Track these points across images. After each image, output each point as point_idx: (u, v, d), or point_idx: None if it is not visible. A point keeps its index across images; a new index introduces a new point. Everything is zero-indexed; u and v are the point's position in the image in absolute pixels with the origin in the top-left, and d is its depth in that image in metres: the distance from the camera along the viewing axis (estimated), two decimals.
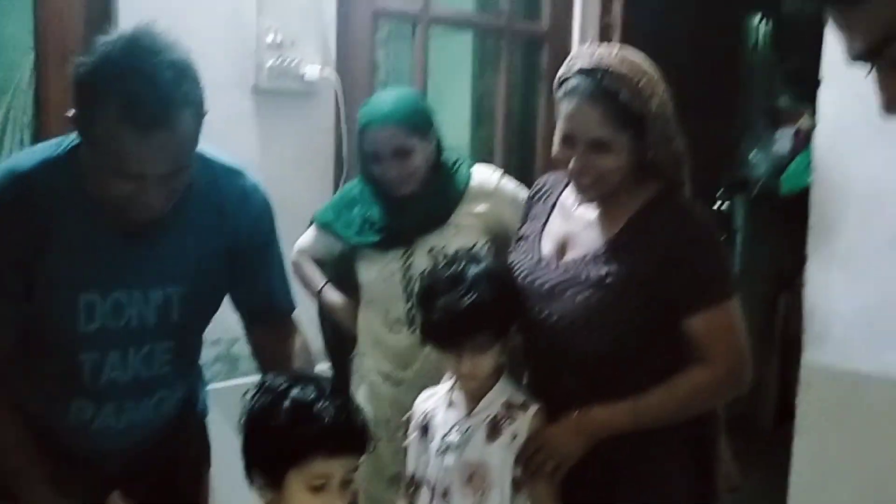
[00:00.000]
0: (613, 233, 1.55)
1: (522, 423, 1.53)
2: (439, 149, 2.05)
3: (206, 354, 2.28)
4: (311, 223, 2.17)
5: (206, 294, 1.55)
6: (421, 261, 1.95)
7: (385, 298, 2.04)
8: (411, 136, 1.94)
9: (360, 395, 2.10)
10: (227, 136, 2.27)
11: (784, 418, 2.71)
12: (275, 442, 1.21)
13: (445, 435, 1.55)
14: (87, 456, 1.54)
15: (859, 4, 0.81)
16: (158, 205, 1.36)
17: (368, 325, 2.10)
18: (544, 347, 1.60)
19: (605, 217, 1.58)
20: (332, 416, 1.21)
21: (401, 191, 1.99)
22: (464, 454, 1.53)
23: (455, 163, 2.07)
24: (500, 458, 1.52)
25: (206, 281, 1.54)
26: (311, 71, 2.40)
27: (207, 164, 1.50)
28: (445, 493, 1.54)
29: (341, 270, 2.17)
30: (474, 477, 1.52)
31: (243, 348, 2.27)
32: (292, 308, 1.68)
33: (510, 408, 1.55)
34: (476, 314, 1.49)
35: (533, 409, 1.55)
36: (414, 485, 1.59)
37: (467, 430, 1.54)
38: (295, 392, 1.23)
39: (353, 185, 2.12)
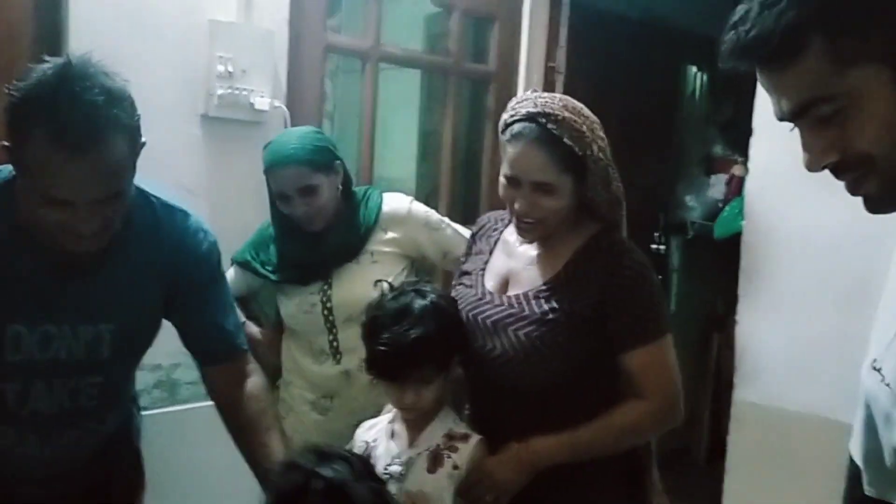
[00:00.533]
0: (555, 270, 1.61)
1: (463, 454, 1.55)
2: (347, 180, 2.08)
3: (146, 380, 2.28)
4: (232, 263, 2.15)
5: (138, 331, 1.54)
6: (340, 292, 2.00)
7: (308, 331, 2.06)
8: (315, 173, 1.96)
9: (288, 423, 2.10)
10: (177, 162, 2.29)
11: (717, 454, 2.79)
12: None
13: (387, 465, 1.57)
14: (5, 480, 1.50)
15: (785, 69, 0.87)
16: (91, 234, 1.32)
17: (293, 355, 2.12)
18: (487, 380, 1.63)
19: (547, 255, 1.63)
20: (366, 501, 1.20)
21: (312, 227, 2.01)
22: (405, 485, 1.54)
23: (365, 193, 2.11)
24: (440, 489, 1.53)
25: (140, 318, 1.53)
26: (262, 102, 2.42)
27: (149, 201, 1.50)
28: None
29: (262, 303, 2.19)
30: None
31: (183, 374, 2.28)
32: (244, 347, 1.67)
33: (451, 438, 1.57)
34: (421, 347, 1.52)
35: (474, 439, 1.57)
36: None
37: (408, 460, 1.56)
38: (326, 472, 1.21)
39: (267, 225, 2.14)
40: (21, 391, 1.43)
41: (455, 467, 1.54)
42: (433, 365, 1.55)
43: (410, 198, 2.16)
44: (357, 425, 1.77)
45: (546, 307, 1.57)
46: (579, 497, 1.59)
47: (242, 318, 2.10)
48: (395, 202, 2.11)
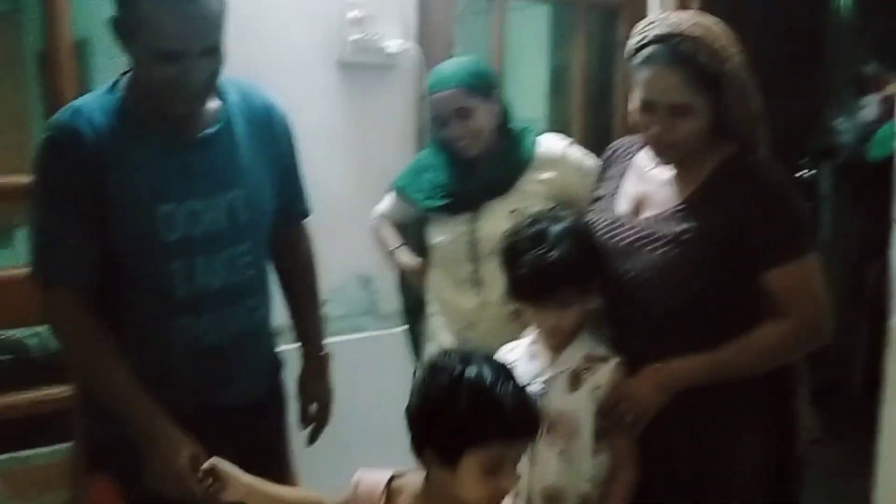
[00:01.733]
0: (690, 191, 1.58)
1: (603, 375, 1.58)
2: (506, 116, 2.10)
3: None
4: (390, 189, 2.26)
5: (262, 196, 1.67)
6: (486, 225, 2.02)
7: (452, 261, 2.11)
8: (471, 96, 2.00)
9: (430, 353, 2.17)
10: (314, 109, 2.39)
11: (873, 387, 2.67)
12: (455, 425, 1.20)
13: (527, 385, 1.59)
14: (199, 390, 1.61)
15: None
16: (201, 85, 1.50)
17: (436, 286, 2.18)
18: (622, 303, 1.63)
19: (681, 177, 1.61)
20: (513, 401, 1.21)
21: (466, 151, 2.05)
22: (545, 404, 1.57)
23: (522, 131, 2.12)
24: (580, 408, 1.57)
25: (261, 183, 1.66)
26: (393, 45, 2.48)
27: (230, 81, 1.64)
28: None
29: (417, 234, 2.25)
30: (557, 426, 1.57)
31: (332, 308, 2.40)
32: (309, 212, 1.87)
33: (591, 360, 1.60)
34: (560, 269, 1.55)
35: (613, 361, 1.59)
36: None
37: (548, 380, 1.59)
38: (471, 374, 1.22)
39: (426, 153, 2.21)
40: (187, 269, 1.55)
41: (595, 387, 1.57)
42: (572, 287, 1.57)
43: (567, 140, 2.16)
44: None
45: (681, 227, 1.55)
46: (720, 418, 1.58)
47: (399, 243, 2.25)
48: (551, 143, 2.12)
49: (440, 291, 2.17)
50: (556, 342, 1.63)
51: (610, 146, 1.83)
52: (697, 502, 1.57)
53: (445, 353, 1.30)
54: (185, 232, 1.54)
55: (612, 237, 1.64)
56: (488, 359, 1.28)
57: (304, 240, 1.88)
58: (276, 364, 1.84)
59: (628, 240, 1.61)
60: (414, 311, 2.34)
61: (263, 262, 1.73)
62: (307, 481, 1.82)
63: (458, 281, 2.11)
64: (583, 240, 1.62)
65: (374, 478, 1.34)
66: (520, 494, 1.56)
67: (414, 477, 1.33)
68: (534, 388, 1.57)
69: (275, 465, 1.75)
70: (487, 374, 1.22)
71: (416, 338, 2.34)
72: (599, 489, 1.58)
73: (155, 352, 1.57)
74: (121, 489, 1.57)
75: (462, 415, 1.20)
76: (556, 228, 1.59)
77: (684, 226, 1.55)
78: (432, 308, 2.20)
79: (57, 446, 2.38)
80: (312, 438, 1.87)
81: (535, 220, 1.64)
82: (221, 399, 1.63)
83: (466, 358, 1.25)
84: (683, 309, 1.55)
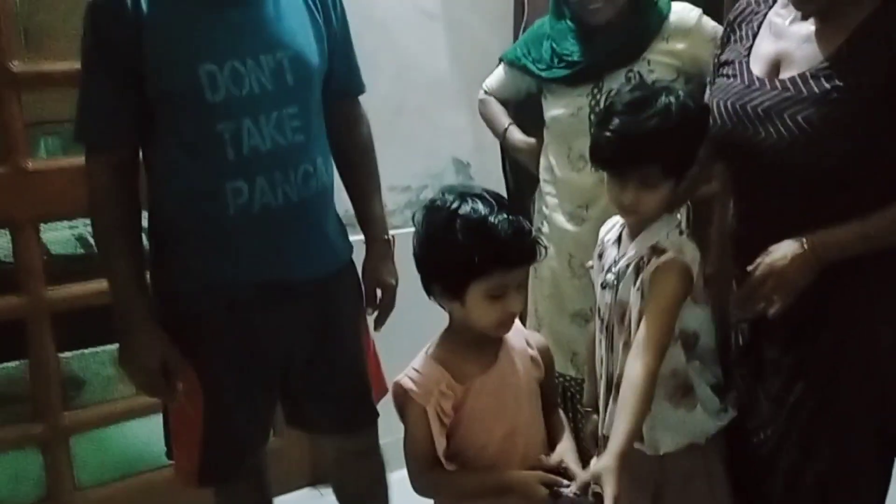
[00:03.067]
0: (836, 45, 1.43)
1: (648, 271, 1.45)
2: None
3: (396, 200, 2.44)
4: (500, 62, 2.18)
5: (310, 58, 1.62)
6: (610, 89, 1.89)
7: (570, 135, 2.02)
8: None
9: (544, 233, 2.13)
10: None
11: None
12: (456, 258, 1.26)
13: (606, 271, 1.54)
14: (259, 262, 1.59)
15: None
16: None
17: (551, 163, 2.10)
18: (758, 173, 1.50)
19: (825, 31, 1.45)
20: (507, 231, 1.26)
21: (595, 17, 1.93)
22: (618, 294, 1.50)
23: None
24: (639, 302, 1.46)
25: (308, 45, 1.61)
26: None
27: None
28: (609, 327, 1.54)
29: (526, 112, 2.17)
30: (625, 317, 1.49)
31: (430, 194, 2.41)
32: (363, 88, 1.82)
33: (654, 252, 1.46)
34: (649, 143, 1.40)
35: (665, 255, 1.44)
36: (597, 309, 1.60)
37: (619, 272, 1.50)
38: (465, 209, 1.27)
39: (544, 22, 2.09)
40: (234, 130, 1.51)
41: (640, 286, 1.45)
42: (660, 166, 1.43)
43: (700, 10, 2.02)
44: None
45: (828, 86, 1.40)
46: (861, 292, 1.46)
47: (510, 121, 2.18)
48: (685, 12, 1.99)
49: (555, 169, 2.09)
50: (633, 225, 1.51)
51: (737, 5, 1.67)
52: (829, 381, 1.48)
53: (441, 192, 1.34)
54: (230, 92, 1.51)
55: (748, 102, 1.50)
56: (481, 194, 1.31)
57: (360, 119, 1.83)
58: (342, 245, 1.77)
59: (767, 103, 1.46)
60: (519, 194, 2.31)
61: (315, 128, 1.66)
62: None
63: (576, 156, 2.03)
64: (692, 119, 1.46)
65: (415, 367, 1.38)
66: (601, 379, 1.54)
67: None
68: (608, 277, 1.52)
69: (348, 347, 1.75)
70: (481, 207, 1.27)
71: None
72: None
73: (210, 217, 1.55)
74: (189, 363, 1.60)
75: (460, 248, 1.26)
76: (663, 99, 1.43)
77: (831, 84, 1.40)
78: (545, 187, 2.14)
79: None
80: (378, 323, 1.85)
81: (646, 85, 1.51)
82: (282, 273, 1.61)
83: (461, 195, 1.30)
84: (830, 173, 1.41)
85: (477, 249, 1.25)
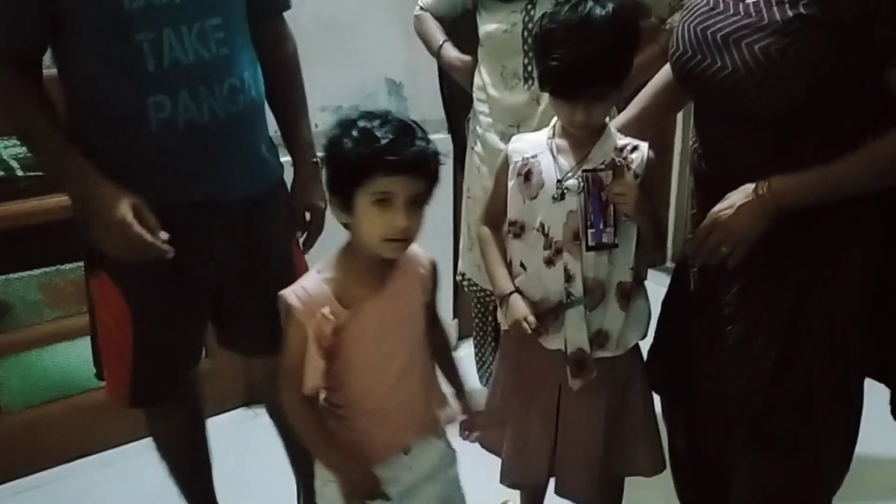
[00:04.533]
0: None
1: (637, 160, 1.53)
2: None
3: (328, 120, 2.38)
4: None
5: None
6: (543, 12, 1.89)
7: (503, 52, 2.01)
8: None
9: (476, 152, 2.14)
10: None
11: None
12: (342, 164, 1.29)
13: (560, 180, 1.54)
14: (185, 180, 1.55)
15: None
16: None
17: (484, 81, 2.09)
18: (716, 106, 1.45)
19: None
20: (391, 138, 1.27)
21: None
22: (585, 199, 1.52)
23: None
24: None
25: None
26: None
27: None
28: (562, 241, 1.54)
29: (461, 30, 2.14)
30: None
31: None
32: (289, 5, 1.77)
33: (622, 150, 1.54)
34: (598, 66, 1.44)
35: (644, 145, 1.55)
36: (519, 228, 1.59)
37: (584, 174, 1.52)
38: (361, 122, 1.29)
39: None
40: (154, 41, 1.46)
41: (636, 176, 1.52)
42: (608, 82, 1.47)
43: None
44: None
45: (791, 13, 1.30)
46: (827, 249, 1.41)
47: (444, 38, 2.15)
48: None
49: (487, 88, 2.08)
50: (582, 137, 1.54)
51: None
52: (794, 321, 1.45)
53: (351, 111, 1.35)
54: (149, 0, 1.45)
55: (708, 27, 1.41)
56: (388, 115, 1.32)
57: (286, 37, 1.78)
58: (273, 164, 1.74)
59: (726, 29, 1.38)
60: (455, 114, 2.29)
61: (240, 42, 1.61)
62: None
63: (509, 74, 2.02)
64: (628, 27, 1.47)
65: (303, 285, 1.38)
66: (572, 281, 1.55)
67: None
68: (570, 182, 1.53)
69: (279, 266, 1.72)
70: (375, 119, 1.29)
71: (457, 135, 2.27)
72: (637, 279, 1.58)
73: (132, 134, 1.50)
74: (116, 284, 1.59)
75: (345, 153, 1.28)
76: (600, 14, 1.43)
77: (794, 12, 1.31)
78: (478, 106, 2.13)
79: None
80: (307, 245, 1.83)
81: (577, 1, 1.47)
82: (211, 192, 1.58)
83: (368, 114, 1.32)
84: (789, 112, 1.33)
85: (358, 152, 1.28)
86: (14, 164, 3.27)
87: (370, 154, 1.27)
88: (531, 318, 1.55)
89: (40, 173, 3.26)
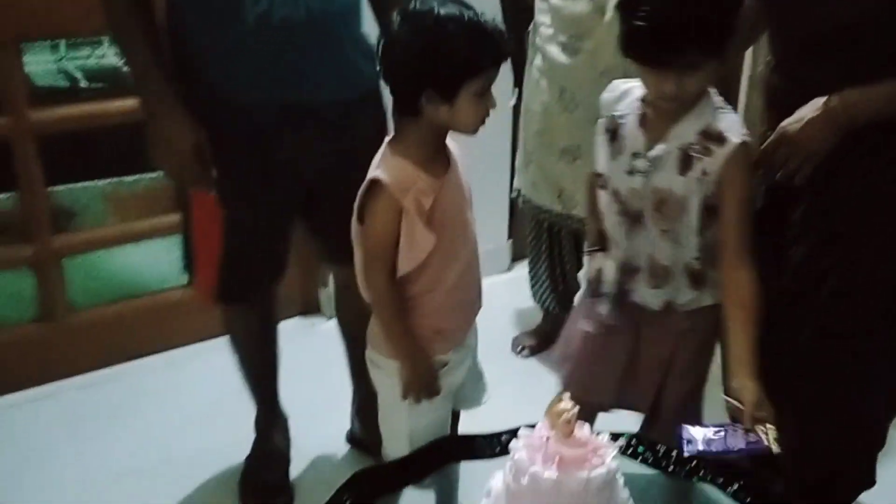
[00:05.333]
0: None
1: (716, 159, 1.34)
2: None
3: None
4: None
5: None
6: None
7: None
8: None
9: (536, 65, 2.09)
10: None
11: None
12: (452, 58, 1.26)
13: (634, 156, 1.41)
14: (279, 79, 1.55)
15: None
16: None
17: None
18: (790, 19, 1.41)
19: None
20: (494, 27, 1.28)
21: None
22: (651, 182, 1.40)
23: None
24: (689, 192, 1.38)
25: None
26: None
27: None
28: (635, 213, 1.45)
29: None
30: (665, 204, 1.41)
31: None
32: None
33: (707, 138, 1.35)
34: (687, 28, 1.25)
35: (731, 144, 1.34)
36: (602, 182, 1.50)
37: (655, 159, 1.39)
38: (453, 11, 1.26)
39: None
40: None
41: (704, 173, 1.35)
42: (707, 48, 1.28)
43: None
44: (604, 76, 1.72)
45: None
46: (893, 169, 1.38)
47: None
48: None
49: None
50: (671, 111, 1.36)
51: None
52: (858, 244, 1.42)
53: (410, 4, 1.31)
54: None
55: None
56: (466, 4, 1.30)
57: None
58: (367, 70, 1.67)
59: None
60: (514, 20, 2.23)
61: None
62: None
63: None
64: None
65: (389, 164, 1.37)
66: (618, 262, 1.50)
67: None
68: (639, 163, 1.41)
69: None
70: (466, 9, 1.28)
71: (518, 47, 2.24)
72: (706, 262, 1.45)
73: (228, 26, 1.50)
74: (218, 200, 1.61)
75: (459, 48, 1.25)
76: None
77: None
78: (539, 17, 2.08)
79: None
80: None
81: None
82: (302, 93, 1.57)
83: (457, 6, 1.28)
84: (863, 25, 1.30)
85: (473, 47, 1.26)
86: (78, 74, 3.34)
87: (485, 48, 1.27)
88: None
89: (103, 84, 3.33)
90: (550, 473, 0.97)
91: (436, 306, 1.43)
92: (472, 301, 1.51)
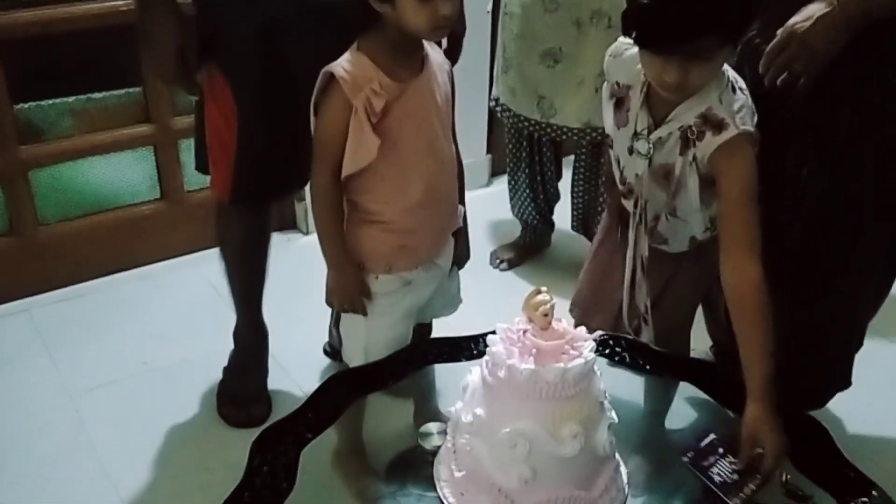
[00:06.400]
0: None
1: (706, 147, 1.24)
2: None
3: None
4: None
5: None
6: None
7: None
8: None
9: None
10: None
11: None
12: None
13: (636, 135, 1.33)
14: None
15: None
16: None
17: None
18: None
19: None
20: None
21: None
22: (653, 162, 1.33)
23: None
24: (686, 172, 1.30)
25: None
26: None
27: None
28: (635, 191, 1.38)
29: None
30: (666, 176, 1.33)
31: None
32: None
33: (705, 122, 1.24)
34: (701, 11, 1.12)
35: (725, 134, 1.22)
36: (609, 142, 1.43)
37: (658, 140, 1.30)
38: None
39: None
40: None
41: (694, 158, 1.26)
42: (718, 34, 1.15)
43: None
44: None
45: None
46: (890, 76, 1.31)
47: None
48: None
49: None
50: (675, 98, 1.25)
51: None
52: (847, 147, 1.37)
53: None
54: None
55: None
56: None
57: None
58: None
59: None
60: None
61: None
62: None
63: None
64: None
65: (348, 60, 1.33)
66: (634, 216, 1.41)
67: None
68: (640, 145, 1.33)
69: None
70: None
71: None
72: (712, 233, 1.39)
73: None
74: (226, 77, 1.57)
75: None
76: None
77: None
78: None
79: (130, 89, 2.47)
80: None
81: None
82: None
83: None
84: None
85: None
86: None
87: None
88: None
89: None
90: (528, 365, 0.96)
91: (398, 221, 1.41)
92: (442, 219, 1.47)
